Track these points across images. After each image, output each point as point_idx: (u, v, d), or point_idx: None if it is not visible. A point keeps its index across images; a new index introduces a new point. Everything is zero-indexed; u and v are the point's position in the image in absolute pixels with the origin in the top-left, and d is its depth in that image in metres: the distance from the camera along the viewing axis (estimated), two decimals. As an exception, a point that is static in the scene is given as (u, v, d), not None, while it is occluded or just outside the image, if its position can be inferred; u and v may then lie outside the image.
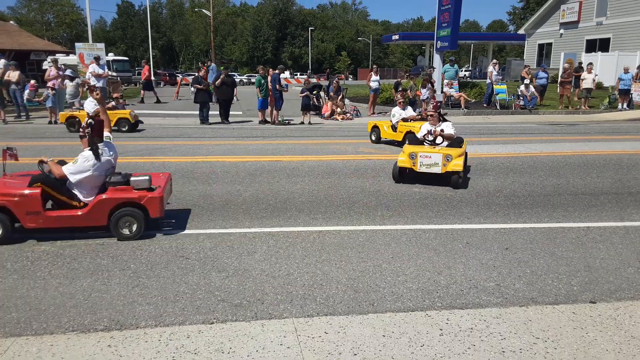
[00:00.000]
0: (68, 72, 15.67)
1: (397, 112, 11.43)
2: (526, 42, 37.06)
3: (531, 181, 7.80)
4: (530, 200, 6.67)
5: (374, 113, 19.33)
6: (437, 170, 7.30)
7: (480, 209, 6.25)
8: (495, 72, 19.74)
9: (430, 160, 7.36)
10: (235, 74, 57.35)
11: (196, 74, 16.39)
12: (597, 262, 4.53)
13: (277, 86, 15.47)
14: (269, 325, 3.33)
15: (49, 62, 18.72)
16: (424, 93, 17.19)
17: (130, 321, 3.38)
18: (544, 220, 5.82)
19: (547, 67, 24.29)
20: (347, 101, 20.28)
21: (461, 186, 6.34)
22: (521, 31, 38.44)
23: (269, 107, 15.86)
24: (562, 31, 33.02)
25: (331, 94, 18.35)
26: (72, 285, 3.91)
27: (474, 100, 20.93)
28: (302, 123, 15.98)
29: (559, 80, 21.02)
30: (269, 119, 16.09)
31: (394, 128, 11.21)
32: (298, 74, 64.07)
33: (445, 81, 19.71)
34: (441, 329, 3.30)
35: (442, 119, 8.34)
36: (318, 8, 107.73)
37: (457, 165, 7.20)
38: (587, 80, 19.29)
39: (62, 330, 3.26)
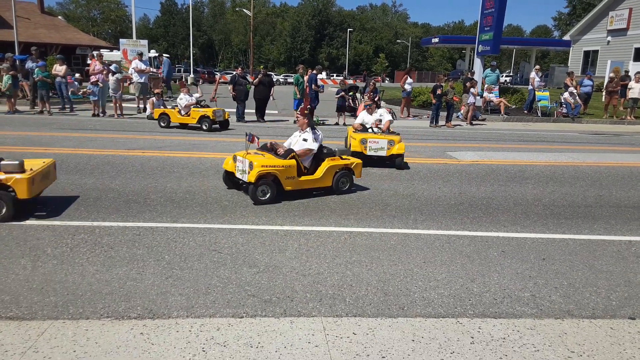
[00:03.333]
0: (112, 67, 16.15)
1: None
2: (571, 48, 36.02)
3: (572, 191, 7.56)
4: (570, 211, 6.46)
5: (408, 116, 19.17)
6: (383, 153, 8.60)
7: (517, 217, 6.10)
8: (537, 79, 19.24)
9: (378, 145, 8.65)
10: (273, 73, 57.87)
11: (234, 73, 16.59)
12: (638, 278, 4.34)
13: (314, 86, 15.52)
14: (298, 323, 3.33)
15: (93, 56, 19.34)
16: (470, 96, 16.94)
17: (163, 311, 3.45)
18: (584, 232, 5.62)
19: (593, 74, 23.51)
20: (382, 103, 20.16)
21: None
22: (566, 37, 37.43)
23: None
24: (609, 38, 31.94)
25: (367, 95, 18.28)
26: (109, 273, 4.02)
27: (514, 106, 20.48)
28: (337, 124, 15.97)
29: (604, 89, 20.35)
30: (304, 119, 16.14)
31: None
32: (334, 75, 64.18)
33: (485, 86, 19.36)
34: (472, 337, 3.23)
35: (378, 106, 9.56)
36: (357, 9, 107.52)
37: (399, 148, 8.58)
38: (634, 90, 18.56)
39: (97, 316, 3.35)
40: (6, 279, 3.84)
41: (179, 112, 13.45)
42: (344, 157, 7.13)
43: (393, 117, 9.59)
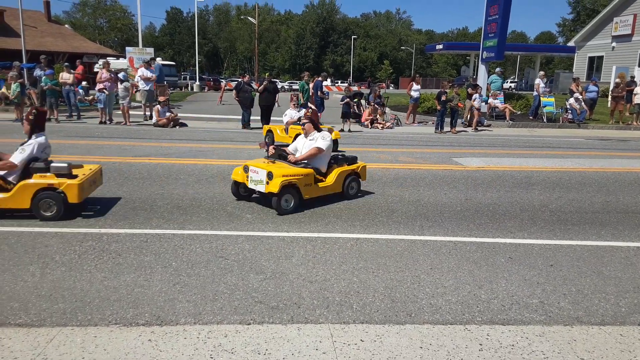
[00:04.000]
0: (121, 75, 16.29)
1: (289, 113, 11.00)
2: (576, 54, 35.98)
3: (579, 197, 7.53)
4: (577, 217, 6.43)
5: (414, 122, 19.18)
6: (262, 188, 6.10)
7: (524, 223, 6.08)
8: (542, 85, 19.23)
9: (258, 176, 6.19)
10: (278, 80, 58.07)
11: (240, 80, 16.69)
12: (649, 284, 4.31)
13: (319, 93, 15.58)
14: (305, 330, 3.33)
15: (99, 65, 19.49)
16: (477, 101, 16.98)
17: (171, 317, 3.45)
18: (592, 238, 5.59)
19: (598, 80, 23.46)
20: (387, 110, 20.20)
21: (287, 211, 5.89)
22: (571, 43, 37.41)
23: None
24: (614, 44, 31.90)
25: (371, 102, 18.33)
26: (116, 280, 4.03)
27: (519, 112, 20.45)
28: (342, 130, 15.99)
29: (610, 95, 20.30)
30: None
31: (286, 130, 11.18)
32: (339, 81, 64.32)
33: (490, 92, 19.37)
34: (481, 344, 3.21)
35: (318, 129, 7.06)
36: (361, 17, 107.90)
37: (273, 185, 5.94)
38: (639, 96, 18.50)
39: (106, 322, 3.36)
40: (15, 286, 3.86)
41: (285, 130, 11.73)
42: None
43: (329, 145, 6.77)
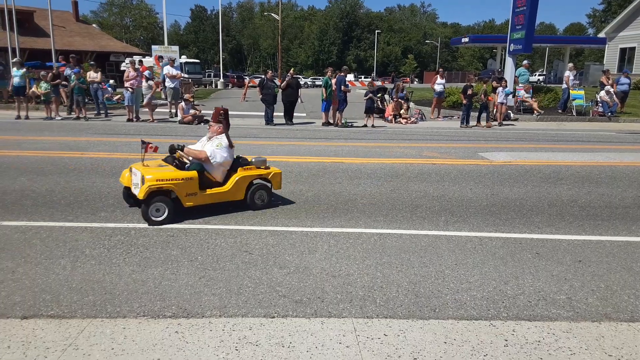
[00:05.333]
0: (146, 73, 16.57)
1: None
2: (607, 46, 34.97)
3: (609, 192, 7.34)
4: (607, 212, 6.28)
5: (438, 117, 18.97)
6: (137, 192, 5.41)
7: (552, 218, 5.96)
8: (572, 77, 18.76)
9: (136, 179, 5.55)
10: (301, 76, 58.13)
11: (263, 77, 16.79)
12: (683, 281, 4.19)
13: (343, 88, 15.55)
14: (329, 324, 3.35)
15: (126, 64, 19.83)
16: (501, 95, 16.72)
17: (197, 310, 3.51)
18: (622, 233, 5.46)
19: (630, 72, 22.76)
20: (412, 104, 20.03)
21: (160, 222, 5.33)
22: (601, 34, 36.35)
23: (332, 110, 15.99)
24: (647, 34, 30.86)
25: (394, 97, 18.21)
26: (144, 273, 4.12)
27: (546, 106, 20.03)
28: (365, 126, 15.93)
29: (643, 87, 19.69)
30: (331, 121, 16.20)
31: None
32: (362, 76, 64.02)
33: (520, 85, 19.03)
34: (506, 340, 3.18)
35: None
36: (385, 11, 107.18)
37: (141, 191, 5.27)
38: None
39: (134, 314, 3.44)
40: (47, 279, 3.98)
41: None
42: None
43: (218, 154, 5.84)
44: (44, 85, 15.80)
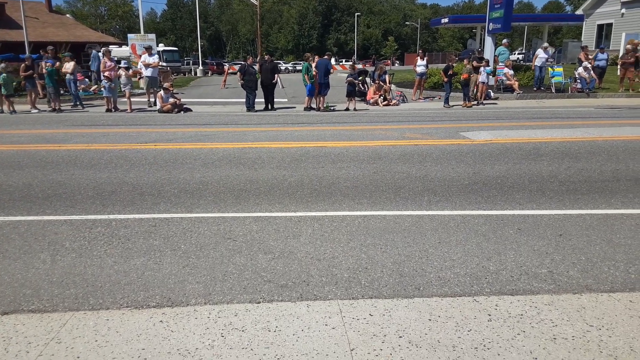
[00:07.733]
0: (123, 63, 16.25)
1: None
2: (584, 22, 35.21)
3: (588, 166, 7.44)
4: (586, 186, 6.37)
5: (420, 98, 19.00)
6: None
7: (533, 194, 6.03)
8: (544, 56, 18.86)
9: None
10: (281, 61, 57.55)
11: (244, 63, 16.61)
12: (660, 251, 4.28)
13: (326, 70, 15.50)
14: (314, 306, 3.35)
15: (94, 55, 19.48)
16: (482, 74, 16.78)
17: (181, 299, 3.49)
18: (601, 206, 5.54)
19: (607, 48, 22.99)
20: (393, 87, 20.01)
21: None
22: (579, 11, 36.57)
23: (315, 94, 15.93)
24: (623, 10, 31.16)
25: (376, 80, 18.17)
26: (127, 264, 4.08)
27: (525, 84, 20.18)
28: (347, 109, 15.89)
29: (619, 62, 19.91)
30: (314, 106, 16.12)
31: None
32: (343, 60, 63.67)
33: (501, 63, 19.12)
34: (489, 315, 3.22)
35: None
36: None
37: None
38: (650, 61, 18.13)
39: (117, 305, 3.41)
40: (27, 274, 3.91)
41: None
42: None
43: None
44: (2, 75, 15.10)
